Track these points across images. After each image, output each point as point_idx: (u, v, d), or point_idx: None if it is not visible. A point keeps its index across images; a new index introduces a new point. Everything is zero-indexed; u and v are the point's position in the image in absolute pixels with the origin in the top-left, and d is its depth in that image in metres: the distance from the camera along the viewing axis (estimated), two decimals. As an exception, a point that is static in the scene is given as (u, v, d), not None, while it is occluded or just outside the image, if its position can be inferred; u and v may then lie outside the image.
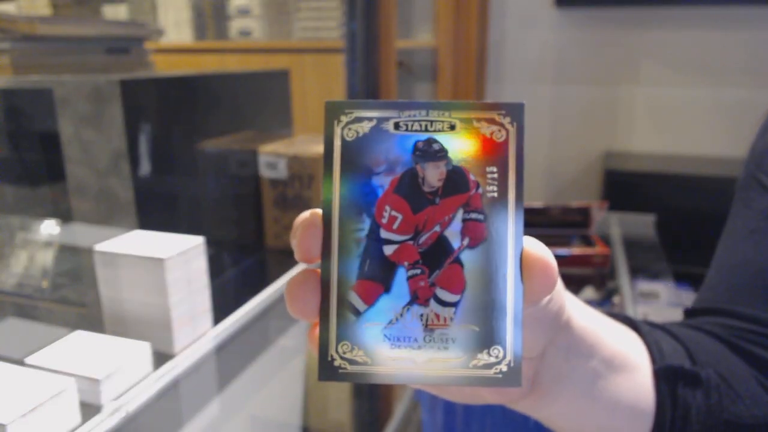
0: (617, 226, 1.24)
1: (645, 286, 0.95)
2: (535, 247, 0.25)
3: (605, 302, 0.87)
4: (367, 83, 1.37)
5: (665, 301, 0.90)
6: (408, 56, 2.33)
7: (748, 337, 0.40)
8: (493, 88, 2.36)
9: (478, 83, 2.28)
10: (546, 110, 2.34)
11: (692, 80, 2.18)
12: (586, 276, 0.93)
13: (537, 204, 1.01)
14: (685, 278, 1.26)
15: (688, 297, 1.26)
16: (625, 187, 2.08)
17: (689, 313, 0.46)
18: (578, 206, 1.00)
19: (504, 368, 0.24)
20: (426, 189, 0.25)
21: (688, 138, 2.24)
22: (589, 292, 0.89)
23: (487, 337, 0.24)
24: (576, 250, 0.93)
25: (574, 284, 0.91)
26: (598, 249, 0.93)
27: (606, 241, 1.08)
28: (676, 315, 0.46)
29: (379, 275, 0.24)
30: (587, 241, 0.98)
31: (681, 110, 2.22)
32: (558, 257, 1.03)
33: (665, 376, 0.36)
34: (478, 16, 2.19)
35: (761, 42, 2.07)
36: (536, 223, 1.02)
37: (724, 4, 2.07)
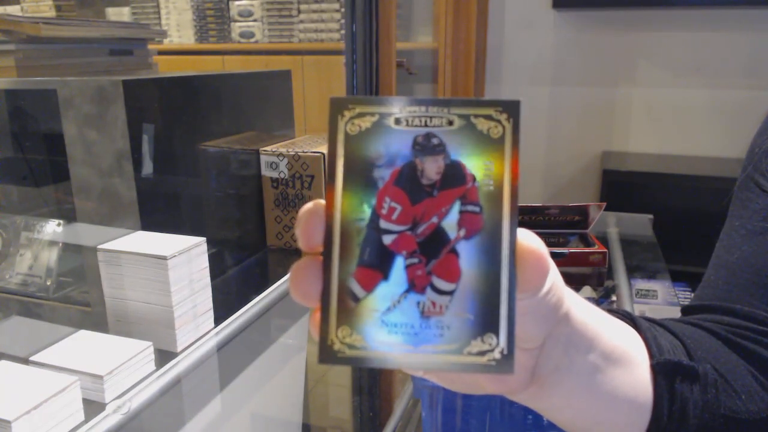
0: (615, 225, 1.25)
1: (642, 285, 0.96)
2: (528, 238, 0.26)
3: (603, 301, 0.88)
4: (367, 84, 1.38)
5: (662, 300, 0.91)
6: (408, 58, 2.34)
7: (744, 335, 0.40)
8: (491, 89, 2.37)
9: (477, 84, 2.29)
10: (544, 111, 2.34)
11: (689, 81, 2.19)
12: (584, 275, 0.93)
13: (535, 204, 1.02)
14: (682, 278, 1.27)
15: (685, 296, 1.26)
16: (622, 187, 2.09)
17: (687, 310, 0.47)
18: (576, 206, 1.00)
19: (497, 356, 0.24)
20: (424, 182, 0.25)
21: (685, 138, 2.25)
22: (587, 291, 0.90)
23: (482, 325, 0.25)
24: (574, 250, 0.93)
25: (572, 283, 0.91)
26: (595, 248, 0.94)
27: (604, 240, 1.09)
28: (673, 314, 0.47)
29: (378, 263, 0.25)
30: (585, 241, 0.99)
31: (678, 111, 2.23)
32: (556, 256, 1.02)
33: (663, 371, 0.36)
34: (477, 18, 2.19)
35: (757, 43, 2.08)
36: (534, 222, 1.02)
37: (719, 5, 2.08)
